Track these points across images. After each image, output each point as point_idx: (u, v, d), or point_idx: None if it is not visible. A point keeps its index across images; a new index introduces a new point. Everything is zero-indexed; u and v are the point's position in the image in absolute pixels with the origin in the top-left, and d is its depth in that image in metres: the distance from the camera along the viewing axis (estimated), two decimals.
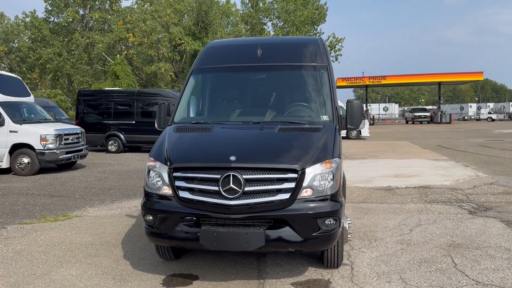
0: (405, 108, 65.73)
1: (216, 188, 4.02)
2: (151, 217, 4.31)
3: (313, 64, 5.43)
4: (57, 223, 6.81)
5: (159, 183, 4.31)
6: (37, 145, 11.90)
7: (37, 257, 5.19)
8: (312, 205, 4.01)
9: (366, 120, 28.59)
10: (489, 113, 66.50)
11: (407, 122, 54.91)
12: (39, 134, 11.93)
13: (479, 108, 72.52)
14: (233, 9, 54.59)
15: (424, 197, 8.39)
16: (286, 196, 3.98)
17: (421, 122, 51.19)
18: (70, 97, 48.36)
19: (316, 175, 4.06)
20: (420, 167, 12.71)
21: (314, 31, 39.81)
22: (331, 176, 4.12)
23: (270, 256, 5.09)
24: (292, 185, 4.00)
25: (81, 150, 13.24)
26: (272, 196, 3.99)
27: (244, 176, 3.96)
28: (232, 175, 3.96)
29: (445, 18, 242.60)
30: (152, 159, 4.46)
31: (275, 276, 4.55)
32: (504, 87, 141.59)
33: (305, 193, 4.02)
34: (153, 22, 44.46)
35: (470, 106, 74.91)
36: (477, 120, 65.99)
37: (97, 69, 48.94)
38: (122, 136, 18.88)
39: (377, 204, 7.89)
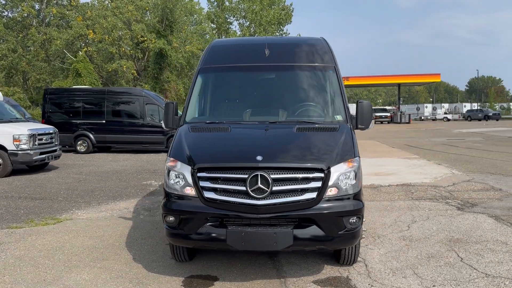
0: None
1: (243, 188, 4.01)
2: (172, 218, 4.25)
3: (322, 64, 5.51)
4: (49, 227, 6.56)
5: (181, 184, 4.25)
6: (10, 146, 11.37)
7: (41, 263, 4.99)
8: (337, 204, 4.08)
9: None
10: (445, 113, 69.36)
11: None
12: (12, 134, 11.41)
13: (434, 109, 75.50)
14: (197, 7, 54.27)
15: (409, 195, 8.68)
16: (313, 195, 4.03)
17: (381, 122, 52.74)
18: (26, 95, 46.42)
19: (341, 174, 4.13)
20: (395, 166, 13.10)
21: (281, 31, 40.12)
22: (353, 175, 4.21)
23: (283, 255, 5.12)
24: (318, 184, 4.05)
25: (55, 150, 12.77)
26: (299, 195, 4.03)
27: (272, 176, 3.98)
28: (260, 175, 3.97)
29: (402, 21, 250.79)
30: (172, 159, 4.39)
31: (294, 274, 4.59)
32: (456, 88, 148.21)
33: (330, 192, 4.08)
34: (114, 19, 43.42)
35: (426, 107, 77.85)
36: (433, 120, 68.63)
37: (55, 67, 47.18)
38: (91, 136, 18.33)
39: (368, 202, 8.07)
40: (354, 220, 4.12)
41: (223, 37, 42.68)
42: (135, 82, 46.35)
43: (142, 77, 47.00)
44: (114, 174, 12.03)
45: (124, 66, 43.79)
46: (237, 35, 38.70)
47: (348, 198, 4.14)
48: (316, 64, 5.53)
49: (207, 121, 5.04)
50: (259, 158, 4.06)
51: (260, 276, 4.55)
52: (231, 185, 4.07)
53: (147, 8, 46.20)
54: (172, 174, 4.33)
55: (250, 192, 3.97)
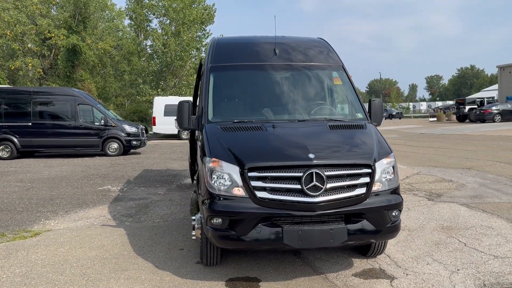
0: None
1: (297, 186, 4.02)
2: (220, 220, 4.11)
3: (332, 64, 5.68)
4: (32, 240, 5.94)
5: (228, 184, 4.14)
6: None
7: (55, 279, 4.53)
8: (383, 198, 4.26)
9: None
10: None
11: None
12: None
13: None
14: (109, 3, 51.78)
15: None
16: (362, 190, 4.16)
17: None
18: None
19: (383, 169, 4.31)
20: None
21: (203, 31, 39.86)
22: (392, 170, 4.41)
23: (306, 252, 5.19)
24: (367, 179, 4.19)
25: None
26: (350, 191, 4.13)
27: (326, 173, 4.04)
28: (315, 172, 4.01)
29: (307, 25, 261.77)
30: (214, 159, 4.25)
31: (330, 270, 4.69)
32: (358, 89, 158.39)
33: (375, 187, 4.25)
34: (17, 13, 40.00)
35: None
36: None
37: None
38: (15, 140, 16.73)
39: None
40: (396, 213, 4.33)
41: (142, 35, 41.29)
42: (41, 82, 43.08)
43: (49, 76, 43.83)
44: (62, 181, 11.14)
45: (29, 65, 40.53)
46: (159, 33, 37.60)
47: (390, 193, 4.33)
48: (327, 63, 5.69)
49: (235, 120, 4.93)
50: (311, 155, 4.10)
51: (298, 274, 4.58)
52: (284, 184, 4.05)
53: (53, 3, 43.18)
54: (216, 174, 4.19)
55: (306, 190, 3.99)
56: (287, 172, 4.06)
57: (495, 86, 61.01)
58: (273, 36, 6.00)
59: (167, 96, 32.55)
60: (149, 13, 39.00)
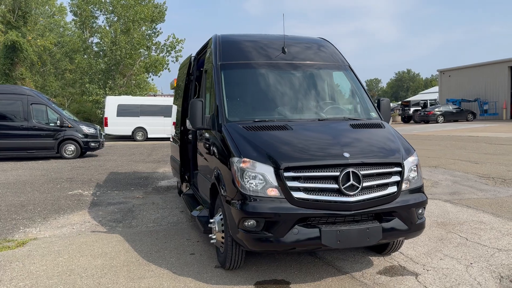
0: None
1: (334, 186, 3.98)
2: (253, 222, 3.98)
3: (339, 63, 5.72)
4: (21, 250, 5.48)
5: (261, 185, 4.02)
6: None
7: None
8: (411, 196, 4.32)
9: None
10: None
11: None
12: None
13: None
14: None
15: None
16: (394, 189, 4.20)
17: None
18: None
19: (409, 168, 4.38)
20: None
21: (154, 30, 38.84)
22: (416, 168, 4.49)
23: (321, 252, 5.17)
24: (398, 178, 4.24)
25: None
26: (383, 190, 4.16)
27: (361, 172, 4.03)
28: (352, 171, 3.99)
29: (253, 28, 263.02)
30: (245, 159, 4.11)
31: (353, 269, 4.69)
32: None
33: (404, 185, 4.30)
34: None
35: None
36: None
37: None
38: None
39: None
40: (422, 211, 4.41)
41: (87, 32, 39.61)
42: None
43: None
44: (25, 186, 10.40)
45: None
46: (107, 30, 36.17)
47: (416, 191, 4.41)
48: (335, 63, 5.71)
49: (256, 119, 4.81)
50: (346, 154, 4.08)
51: (324, 275, 4.54)
52: (320, 184, 4.00)
53: None
54: (248, 175, 4.06)
55: (343, 190, 3.96)
56: (324, 171, 4.01)
57: (434, 89, 64.57)
58: (279, 35, 5.94)
59: (117, 95, 31.43)
60: (95, 9, 37.48)
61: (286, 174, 3.97)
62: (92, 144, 16.70)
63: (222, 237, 4.58)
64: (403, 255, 5.11)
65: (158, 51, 39.97)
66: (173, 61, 40.22)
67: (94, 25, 39.65)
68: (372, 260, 4.96)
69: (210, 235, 4.82)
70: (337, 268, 4.73)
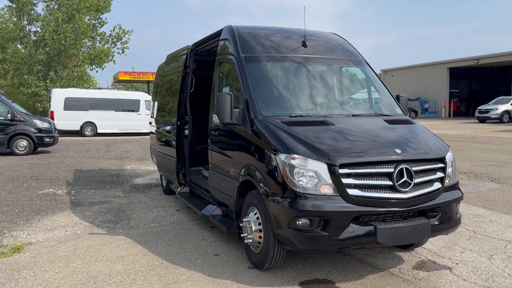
0: None
1: (388, 183, 3.94)
2: (306, 220, 3.85)
3: (359, 59, 5.70)
4: (22, 257, 4.97)
5: (314, 182, 3.88)
6: None
7: None
8: (451, 192, 4.38)
9: None
10: None
11: None
12: None
13: None
14: None
15: None
16: (439, 185, 4.24)
17: None
18: None
19: (449, 163, 4.43)
20: None
21: (99, 20, 37.00)
22: (452, 165, 4.56)
23: (348, 250, 5.12)
24: (442, 174, 4.28)
25: None
26: (431, 186, 4.18)
27: (413, 168, 4.02)
28: (405, 168, 3.97)
29: (195, 22, 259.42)
30: (295, 156, 3.95)
31: (387, 265, 4.69)
32: None
33: (446, 181, 4.35)
34: None
35: None
36: None
37: None
38: None
39: None
40: (459, 207, 4.49)
41: (25, 20, 37.05)
42: None
43: None
44: None
45: None
46: (48, 19, 33.90)
47: (454, 187, 4.47)
48: (355, 58, 5.68)
49: (292, 114, 4.64)
50: (398, 151, 4.05)
51: (363, 273, 4.49)
52: (373, 180, 3.94)
53: None
54: (298, 171, 3.90)
55: (397, 186, 3.93)
56: (378, 168, 3.95)
57: None
58: (297, 28, 5.82)
59: (59, 87, 29.65)
60: None
61: (341, 171, 3.87)
62: (47, 139, 15.60)
63: (260, 237, 4.39)
64: (426, 249, 5.19)
65: (103, 42, 38.21)
66: (119, 52, 38.66)
67: (32, 12, 37.15)
68: (400, 256, 4.99)
69: (242, 235, 4.60)
70: (371, 265, 4.71)
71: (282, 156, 4.02)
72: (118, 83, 48.33)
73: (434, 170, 4.24)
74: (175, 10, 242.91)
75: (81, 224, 6.42)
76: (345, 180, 3.87)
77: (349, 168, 3.90)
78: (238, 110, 4.76)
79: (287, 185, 3.95)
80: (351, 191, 3.87)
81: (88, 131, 25.24)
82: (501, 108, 28.85)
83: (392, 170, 3.95)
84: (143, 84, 55.08)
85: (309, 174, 3.91)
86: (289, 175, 3.94)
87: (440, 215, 4.21)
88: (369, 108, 5.27)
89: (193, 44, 7.10)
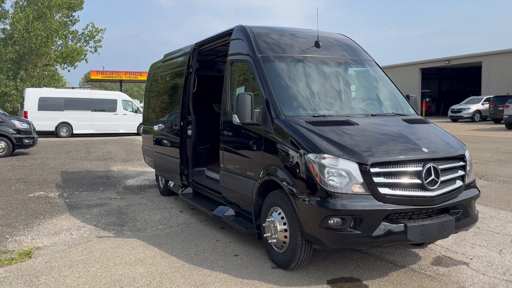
0: None
1: (417, 181, 4.02)
2: (339, 219, 3.89)
3: (370, 59, 5.79)
4: (35, 262, 4.82)
5: (345, 181, 3.93)
6: None
7: None
8: (471, 190, 4.50)
9: None
10: None
11: None
12: None
13: None
14: None
15: None
16: (461, 183, 4.36)
17: None
18: None
19: (468, 162, 4.56)
20: None
21: (71, 17, 36.07)
22: (469, 162, 4.68)
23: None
24: (463, 172, 4.40)
25: None
26: (454, 184, 4.29)
27: (439, 167, 4.12)
28: (432, 166, 4.06)
29: (164, 20, 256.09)
30: (326, 155, 3.98)
31: (407, 262, 4.78)
32: None
33: (466, 178, 4.47)
34: None
35: None
36: None
37: None
38: None
39: None
40: (475, 204, 4.63)
41: None
42: None
43: None
44: None
45: None
46: (20, 15, 32.79)
47: (473, 185, 4.60)
48: (366, 59, 5.77)
49: (315, 114, 4.67)
50: (425, 149, 4.14)
51: (386, 270, 4.56)
52: (402, 179, 4.01)
53: None
54: (329, 171, 3.94)
55: (426, 185, 4.02)
56: (408, 167, 4.03)
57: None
58: (306, 29, 5.86)
59: (30, 87, 28.75)
60: None
61: (372, 170, 3.92)
62: (26, 140, 15.10)
63: (285, 236, 4.40)
64: (438, 246, 5.32)
65: (75, 40, 37.30)
66: (91, 51, 37.85)
67: (0, 9, 35.89)
68: (416, 253, 5.09)
69: (265, 235, 4.60)
70: (391, 262, 4.79)
71: (312, 156, 4.05)
72: (90, 82, 47.20)
73: (456, 168, 4.36)
74: (143, 7, 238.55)
75: (85, 228, 6.26)
76: (376, 179, 3.93)
77: (380, 167, 3.97)
78: (258, 110, 4.74)
79: (317, 184, 3.97)
80: (382, 190, 3.93)
81: (63, 132, 24.58)
82: (473, 107, 29.87)
83: (420, 168, 4.04)
84: (116, 83, 54.04)
85: (340, 174, 3.95)
86: (320, 175, 3.97)
87: (461, 212, 4.33)
88: (385, 107, 5.35)
89: (196, 44, 7.03)
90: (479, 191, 4.68)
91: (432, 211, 4.19)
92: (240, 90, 5.43)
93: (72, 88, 37.77)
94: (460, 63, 38.51)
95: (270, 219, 4.55)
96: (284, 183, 4.32)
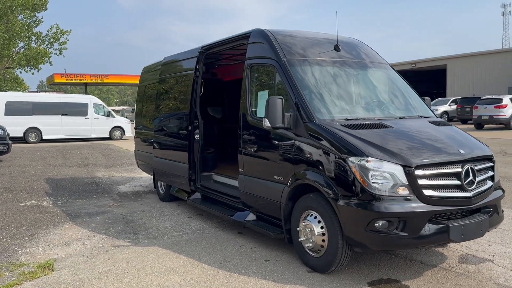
0: (125, 108, 64.94)
1: (456, 182, 4.12)
2: (385, 222, 3.93)
3: (384, 63, 5.90)
4: (60, 275, 4.61)
5: (390, 184, 3.97)
6: None
7: None
8: (498, 190, 4.65)
9: (127, 119, 27.63)
10: None
11: None
12: None
13: None
14: None
15: None
16: (491, 183, 4.50)
17: None
18: None
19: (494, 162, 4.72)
20: None
21: (35, 18, 34.73)
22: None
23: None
24: (492, 172, 4.54)
25: None
26: (486, 184, 4.42)
27: (476, 167, 4.24)
28: (470, 167, 4.18)
29: (126, 21, 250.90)
30: (370, 158, 4.01)
31: (436, 261, 4.88)
32: None
33: (495, 179, 4.62)
34: None
35: None
36: None
37: None
38: None
39: None
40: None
41: None
42: None
43: None
44: None
45: None
46: None
47: (499, 185, 4.75)
48: (381, 62, 5.87)
49: (348, 118, 4.69)
50: (462, 151, 4.24)
51: (420, 270, 4.62)
52: (443, 180, 4.10)
53: None
54: (374, 174, 3.97)
55: (465, 185, 4.12)
56: (448, 168, 4.12)
57: None
58: (321, 32, 5.90)
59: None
60: None
61: (417, 172, 3.99)
62: (0, 147, 14.41)
63: (323, 240, 4.40)
64: (458, 244, 5.44)
65: (39, 42, 36.01)
66: (56, 54, 36.63)
67: None
68: (440, 252, 5.21)
69: (300, 239, 4.59)
70: (420, 262, 4.88)
71: (355, 159, 4.07)
72: (53, 85, 45.70)
73: (486, 169, 4.50)
74: (104, 8, 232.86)
75: (95, 237, 6.04)
76: (421, 181, 4.00)
77: (424, 169, 4.04)
78: (288, 114, 4.73)
79: (362, 187, 4.00)
80: (426, 192, 4.00)
81: (32, 138, 23.62)
82: (441, 108, 30.95)
83: (460, 169, 4.14)
84: (80, 86, 52.44)
85: (385, 176, 3.99)
86: (364, 178, 4.00)
87: (491, 211, 4.47)
88: (409, 110, 5.43)
89: (203, 47, 6.94)
90: (504, 191, 4.85)
91: (467, 211, 4.31)
92: (263, 94, 5.39)
93: (37, 91, 36.44)
94: (426, 66, 39.86)
95: (305, 223, 4.54)
96: (322, 186, 4.32)
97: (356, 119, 4.73)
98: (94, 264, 4.88)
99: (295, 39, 5.48)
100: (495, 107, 22.81)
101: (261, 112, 5.33)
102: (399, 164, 4.01)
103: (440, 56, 38.10)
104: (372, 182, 3.98)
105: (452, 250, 5.26)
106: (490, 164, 4.56)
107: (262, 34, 5.50)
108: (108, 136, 25.12)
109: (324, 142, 4.39)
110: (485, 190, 4.38)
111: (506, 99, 23.06)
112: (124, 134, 25.64)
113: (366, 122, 4.62)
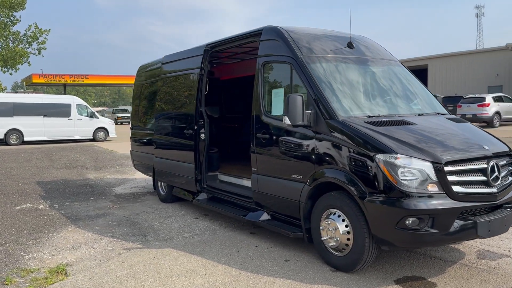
0: (105, 109, 63.64)
1: (482, 178, 4.13)
2: (416, 219, 3.90)
3: (396, 60, 5.90)
4: (77, 279, 4.45)
5: (419, 181, 3.95)
6: None
7: None
8: None
9: (111, 120, 27.15)
10: None
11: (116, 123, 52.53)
12: None
13: None
14: None
15: None
16: (511, 178, 4.52)
17: (122, 123, 50.39)
18: None
19: None
20: None
21: (12, 18, 33.80)
22: None
23: None
24: (511, 168, 4.57)
25: None
26: (507, 180, 4.45)
27: (500, 163, 4.26)
28: (495, 163, 4.19)
29: (103, 21, 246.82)
30: (399, 155, 3.97)
31: (456, 258, 4.89)
32: None
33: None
34: None
35: None
36: None
37: None
38: None
39: None
40: None
41: None
42: None
43: None
44: None
45: None
46: None
47: None
48: (393, 59, 5.87)
49: (370, 115, 4.65)
50: (486, 147, 4.25)
51: (442, 266, 4.61)
52: (470, 177, 4.10)
53: None
54: (403, 171, 3.94)
55: (490, 181, 4.13)
56: (475, 164, 4.13)
57: None
58: (333, 30, 5.86)
59: None
60: None
61: (446, 168, 3.97)
62: None
63: (348, 239, 4.35)
64: (472, 241, 5.48)
65: (17, 42, 35.10)
66: (35, 53, 35.77)
67: None
68: (457, 248, 5.23)
69: (323, 238, 4.53)
70: (439, 258, 4.88)
71: (383, 156, 4.03)
72: (31, 86, 44.63)
73: (507, 165, 4.53)
74: (80, 8, 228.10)
75: (102, 240, 5.86)
76: (450, 178, 3.99)
77: (453, 166, 4.03)
78: (309, 112, 4.66)
79: (391, 185, 3.96)
80: (455, 188, 3.99)
81: (13, 140, 22.97)
82: None
83: (485, 165, 4.15)
84: (58, 87, 51.40)
85: (414, 173, 3.96)
86: (393, 175, 3.96)
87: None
88: (426, 107, 5.41)
89: (208, 45, 6.82)
90: None
91: (491, 207, 4.32)
92: (278, 92, 5.32)
93: (16, 92, 35.50)
94: (407, 66, 40.08)
95: (327, 222, 4.49)
96: (347, 184, 4.27)
97: (378, 116, 4.70)
98: (110, 268, 4.72)
99: (310, 37, 5.42)
100: (479, 105, 23.29)
101: (276, 110, 5.26)
102: (428, 160, 3.99)
103: (421, 56, 38.72)
104: (402, 179, 3.95)
105: (468, 246, 5.28)
106: (510, 159, 4.59)
107: (275, 31, 5.43)
108: (92, 138, 24.63)
109: (348, 140, 4.34)
110: (508, 186, 4.40)
111: (488, 98, 23.58)
112: (108, 135, 25.17)
113: (389, 119, 4.59)
